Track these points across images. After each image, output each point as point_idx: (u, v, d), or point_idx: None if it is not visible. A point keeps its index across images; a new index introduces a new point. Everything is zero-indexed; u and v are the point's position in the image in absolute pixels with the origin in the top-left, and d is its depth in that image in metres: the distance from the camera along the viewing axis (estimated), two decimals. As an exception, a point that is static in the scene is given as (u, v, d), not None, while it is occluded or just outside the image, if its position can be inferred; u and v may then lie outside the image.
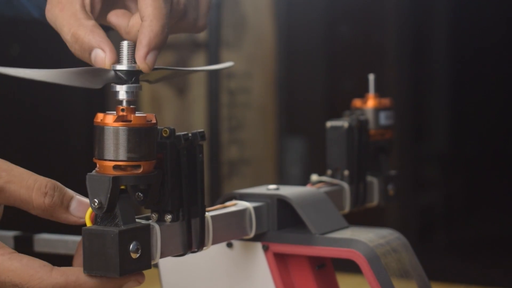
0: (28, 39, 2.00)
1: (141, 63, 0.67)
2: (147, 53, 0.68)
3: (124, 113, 0.63)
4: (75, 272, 0.64)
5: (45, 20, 0.73)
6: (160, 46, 0.69)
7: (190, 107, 2.47)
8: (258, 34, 2.46)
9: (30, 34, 1.99)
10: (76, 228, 0.69)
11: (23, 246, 0.86)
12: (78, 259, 0.70)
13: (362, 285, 0.86)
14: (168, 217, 0.68)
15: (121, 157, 0.62)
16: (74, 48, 0.70)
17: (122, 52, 0.66)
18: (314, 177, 0.92)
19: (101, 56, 0.68)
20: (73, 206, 0.67)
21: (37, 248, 0.86)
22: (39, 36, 1.88)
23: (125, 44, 0.66)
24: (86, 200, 0.67)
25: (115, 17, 0.75)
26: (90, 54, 0.69)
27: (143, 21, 0.69)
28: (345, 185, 0.92)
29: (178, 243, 0.69)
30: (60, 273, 0.64)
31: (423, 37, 2.22)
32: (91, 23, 0.70)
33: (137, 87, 0.65)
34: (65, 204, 0.67)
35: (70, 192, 0.67)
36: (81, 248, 0.70)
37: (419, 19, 2.23)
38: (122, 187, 0.64)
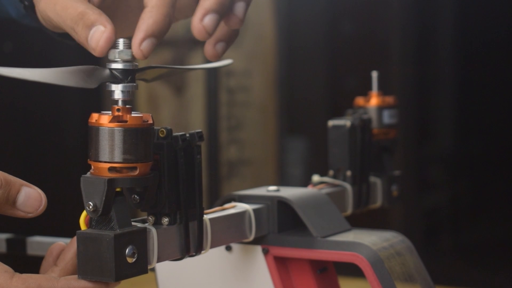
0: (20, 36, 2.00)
1: (135, 49, 0.65)
2: (143, 40, 0.65)
3: (120, 113, 0.62)
4: (37, 280, 0.63)
5: (21, 20, 0.71)
6: (158, 35, 0.66)
7: (188, 106, 2.46)
8: (258, 31, 2.45)
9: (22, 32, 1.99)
10: (71, 231, 0.67)
11: (16, 249, 0.85)
12: (46, 266, 0.68)
13: (365, 289, 0.85)
14: (165, 220, 0.67)
15: (116, 159, 0.62)
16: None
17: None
18: (316, 177, 0.92)
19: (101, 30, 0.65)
20: (20, 201, 0.65)
21: (30, 251, 0.86)
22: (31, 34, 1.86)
23: (120, 42, 0.64)
24: (35, 191, 0.65)
25: None
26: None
27: (145, 8, 0.67)
28: (348, 186, 0.91)
29: (175, 246, 0.68)
30: (21, 281, 0.62)
31: (428, 34, 2.21)
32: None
33: (133, 86, 0.64)
34: (11, 200, 0.64)
35: (17, 184, 0.65)
36: (50, 254, 0.69)
37: (424, 15, 2.22)
38: (118, 189, 0.63)
